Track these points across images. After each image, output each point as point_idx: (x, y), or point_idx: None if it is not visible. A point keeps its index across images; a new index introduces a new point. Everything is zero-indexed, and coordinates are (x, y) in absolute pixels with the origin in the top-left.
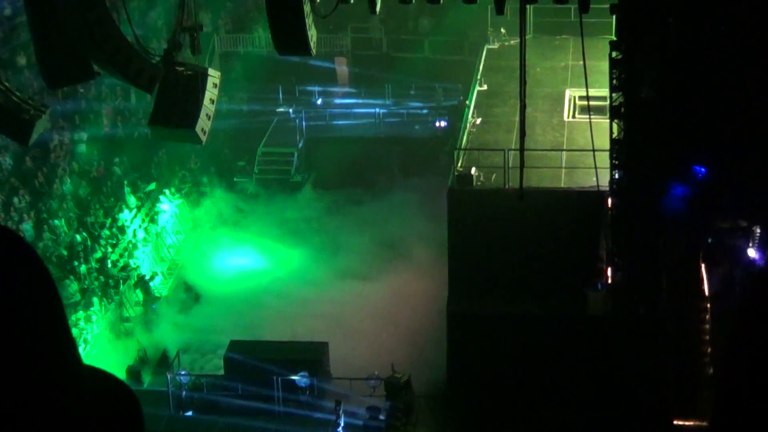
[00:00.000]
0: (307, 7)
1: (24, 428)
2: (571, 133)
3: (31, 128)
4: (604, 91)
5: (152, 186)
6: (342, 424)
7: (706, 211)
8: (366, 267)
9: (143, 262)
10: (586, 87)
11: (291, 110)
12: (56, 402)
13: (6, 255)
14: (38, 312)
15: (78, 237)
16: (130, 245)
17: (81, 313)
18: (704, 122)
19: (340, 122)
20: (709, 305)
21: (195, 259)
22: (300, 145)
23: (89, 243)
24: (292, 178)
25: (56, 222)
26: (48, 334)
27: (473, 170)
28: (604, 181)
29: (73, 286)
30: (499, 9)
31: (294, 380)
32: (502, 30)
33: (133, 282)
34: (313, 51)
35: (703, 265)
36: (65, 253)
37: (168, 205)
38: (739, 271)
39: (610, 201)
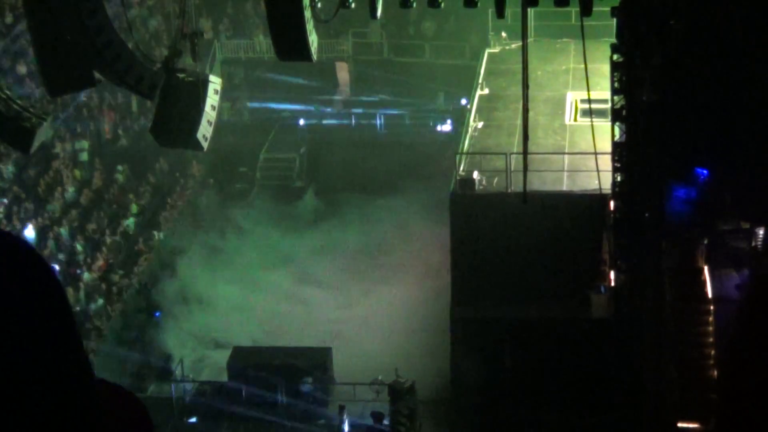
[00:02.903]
0: (307, 13)
1: None
2: (572, 136)
3: (32, 136)
4: (606, 94)
5: (153, 193)
6: (346, 430)
7: (708, 213)
8: (368, 272)
9: (146, 269)
10: (588, 90)
11: (292, 116)
12: (69, 414)
13: (15, 262)
14: (49, 321)
15: (79, 246)
16: (133, 252)
17: (83, 321)
18: (706, 124)
19: (342, 127)
20: (712, 308)
21: (198, 266)
22: (301, 150)
23: (91, 251)
24: (294, 183)
25: (59, 230)
26: (59, 344)
27: (475, 174)
28: (606, 184)
29: (75, 295)
30: (500, 13)
31: (297, 386)
32: (503, 34)
33: (135, 289)
34: (314, 56)
35: (705, 268)
36: (67, 261)
37: (170, 210)
38: (742, 274)
39: (612, 204)
